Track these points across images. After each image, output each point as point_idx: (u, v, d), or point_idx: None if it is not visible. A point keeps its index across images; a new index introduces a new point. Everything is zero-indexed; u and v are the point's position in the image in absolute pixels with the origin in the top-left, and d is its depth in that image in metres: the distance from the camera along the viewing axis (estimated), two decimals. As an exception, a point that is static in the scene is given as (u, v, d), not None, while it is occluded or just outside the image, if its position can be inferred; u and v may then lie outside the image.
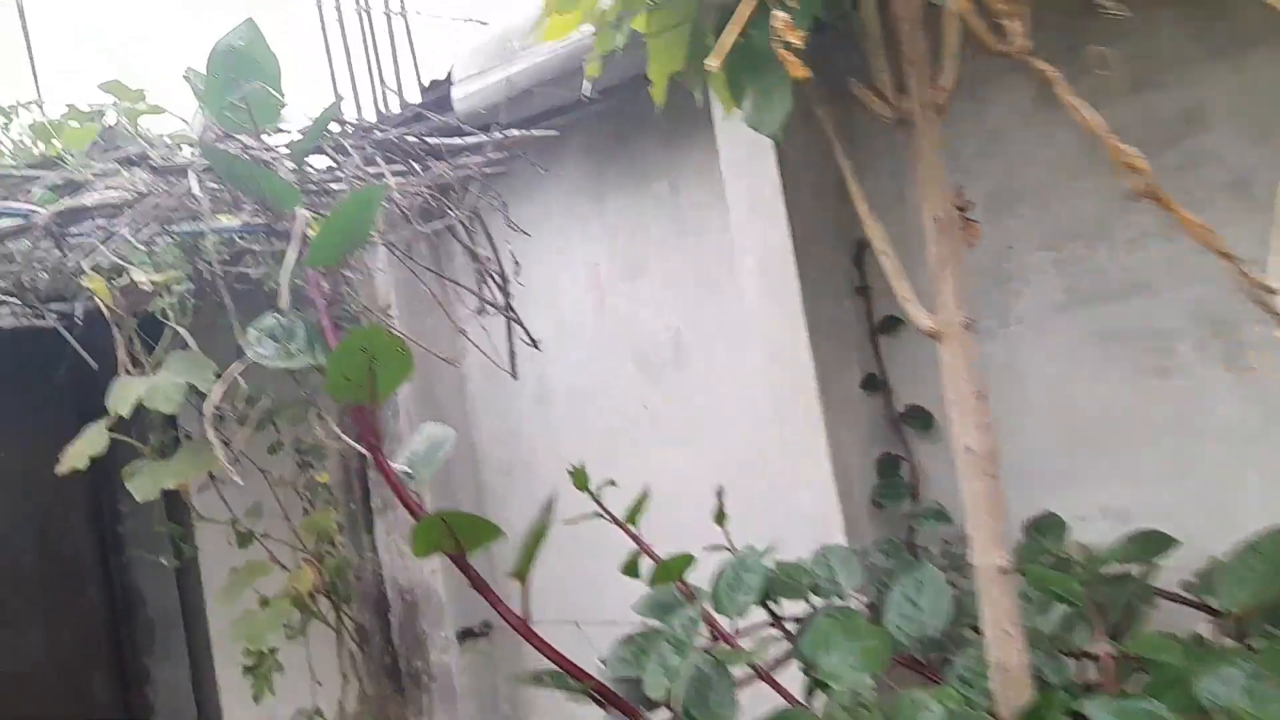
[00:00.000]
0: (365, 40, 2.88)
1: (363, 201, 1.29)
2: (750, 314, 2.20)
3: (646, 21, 1.63)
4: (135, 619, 4.42)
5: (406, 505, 1.22)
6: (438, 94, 2.66)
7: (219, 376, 2.30)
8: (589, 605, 2.54)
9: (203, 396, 2.39)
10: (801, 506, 2.13)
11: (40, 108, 2.87)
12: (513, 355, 1.95)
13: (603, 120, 2.63)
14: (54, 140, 2.68)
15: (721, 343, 2.55)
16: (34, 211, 1.79)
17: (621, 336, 2.70)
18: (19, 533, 4.00)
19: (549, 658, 1.33)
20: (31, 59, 4.71)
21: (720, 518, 1.82)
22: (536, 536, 1.32)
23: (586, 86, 1.78)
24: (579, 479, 1.76)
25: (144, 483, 2.24)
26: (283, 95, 1.51)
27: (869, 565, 1.87)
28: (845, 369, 2.17)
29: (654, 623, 1.66)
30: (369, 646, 3.14)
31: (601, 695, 1.35)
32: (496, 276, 1.94)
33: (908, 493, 2.13)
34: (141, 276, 2.23)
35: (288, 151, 1.36)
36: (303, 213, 1.28)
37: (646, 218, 2.66)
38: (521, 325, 2.09)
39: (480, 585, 1.25)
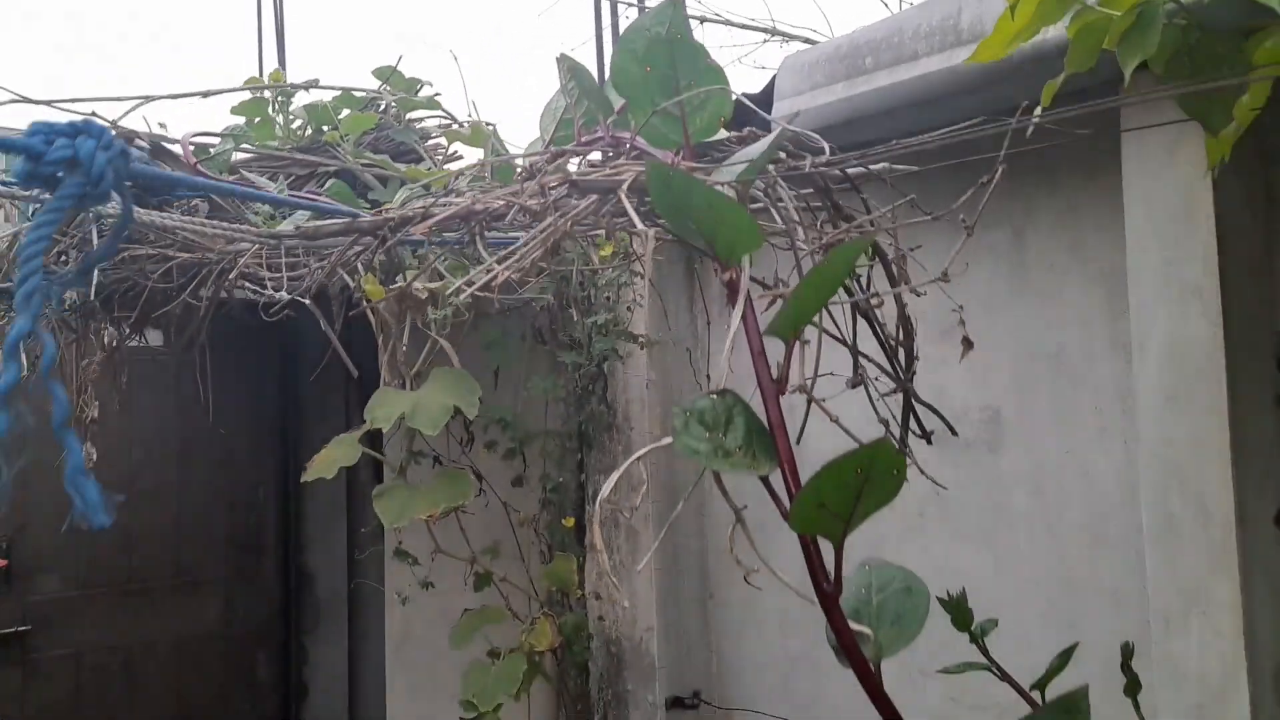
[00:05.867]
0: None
1: (844, 258, 0.95)
2: (1143, 414, 1.77)
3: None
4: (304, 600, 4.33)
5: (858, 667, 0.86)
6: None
7: (481, 401, 2.04)
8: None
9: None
10: (1179, 662, 1.69)
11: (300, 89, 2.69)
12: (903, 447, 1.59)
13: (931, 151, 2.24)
14: (325, 126, 2.48)
15: (1055, 431, 2.12)
16: (359, 214, 1.55)
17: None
18: (214, 503, 3.95)
19: None
20: (280, 34, 4.64)
21: (1133, 686, 1.38)
22: None
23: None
24: (959, 614, 1.35)
25: (393, 507, 2.00)
26: (731, 102, 1.19)
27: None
28: (1262, 499, 1.72)
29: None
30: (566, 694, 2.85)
31: None
32: (899, 346, 1.57)
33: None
34: (419, 284, 1.99)
35: (730, 178, 1.04)
36: (747, 264, 0.95)
37: (973, 270, 2.25)
38: (939, 414, 1.82)
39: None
